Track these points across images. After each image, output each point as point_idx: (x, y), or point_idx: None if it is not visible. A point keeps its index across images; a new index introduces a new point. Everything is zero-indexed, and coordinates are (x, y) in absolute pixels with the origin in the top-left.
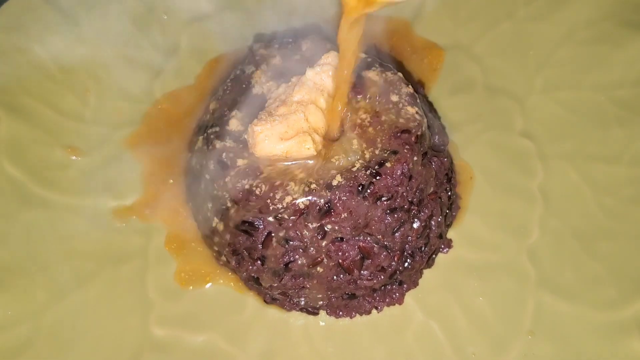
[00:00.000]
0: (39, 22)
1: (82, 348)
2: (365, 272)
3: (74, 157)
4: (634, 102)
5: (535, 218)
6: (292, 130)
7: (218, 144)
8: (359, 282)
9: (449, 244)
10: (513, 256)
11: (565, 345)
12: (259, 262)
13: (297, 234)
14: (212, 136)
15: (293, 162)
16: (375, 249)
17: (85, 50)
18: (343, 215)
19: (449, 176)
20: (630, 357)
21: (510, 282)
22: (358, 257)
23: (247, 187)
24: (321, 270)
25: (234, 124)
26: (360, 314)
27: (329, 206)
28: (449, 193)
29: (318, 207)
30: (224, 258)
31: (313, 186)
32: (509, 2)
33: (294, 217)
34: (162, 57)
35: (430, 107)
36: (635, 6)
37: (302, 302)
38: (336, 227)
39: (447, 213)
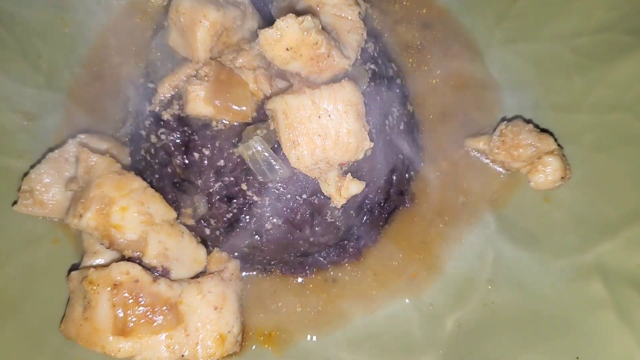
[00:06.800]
0: None
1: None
2: (318, 229)
3: (26, 122)
4: (593, 50)
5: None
6: (228, 93)
7: (153, 99)
8: (312, 239)
9: (412, 198)
10: (473, 205)
11: (526, 292)
12: (202, 221)
13: (239, 191)
14: (148, 89)
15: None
16: (328, 205)
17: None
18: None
19: (411, 127)
20: (591, 300)
21: (469, 231)
22: (308, 214)
23: (181, 142)
24: (270, 227)
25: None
26: (315, 270)
27: None
28: (413, 146)
29: None
30: None
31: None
32: None
33: (235, 173)
34: None
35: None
36: None
37: (256, 262)
38: (280, 186)
39: (409, 167)
